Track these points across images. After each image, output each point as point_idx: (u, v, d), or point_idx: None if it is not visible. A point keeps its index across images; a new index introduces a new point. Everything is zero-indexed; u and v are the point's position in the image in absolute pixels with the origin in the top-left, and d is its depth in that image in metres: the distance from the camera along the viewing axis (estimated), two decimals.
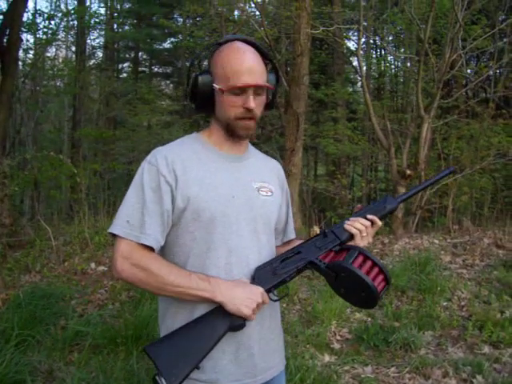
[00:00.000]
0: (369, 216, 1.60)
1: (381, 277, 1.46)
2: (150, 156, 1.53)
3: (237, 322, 1.44)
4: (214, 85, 1.51)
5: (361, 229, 1.57)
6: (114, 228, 1.46)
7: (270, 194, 1.63)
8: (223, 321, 1.43)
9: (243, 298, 1.43)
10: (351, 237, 1.57)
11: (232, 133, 1.55)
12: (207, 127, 1.65)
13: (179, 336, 1.43)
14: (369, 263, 1.46)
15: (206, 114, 1.64)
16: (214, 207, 1.49)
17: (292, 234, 1.82)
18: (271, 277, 1.51)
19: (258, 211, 1.58)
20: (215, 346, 1.44)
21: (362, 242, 1.57)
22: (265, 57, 1.58)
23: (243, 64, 1.48)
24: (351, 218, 1.60)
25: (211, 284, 1.44)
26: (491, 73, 9.39)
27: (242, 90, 1.49)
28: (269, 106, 1.64)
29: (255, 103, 1.50)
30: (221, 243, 1.50)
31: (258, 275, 1.51)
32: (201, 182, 1.50)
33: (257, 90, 1.50)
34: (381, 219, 1.62)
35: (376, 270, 1.46)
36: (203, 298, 1.44)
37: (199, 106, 1.59)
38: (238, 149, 1.62)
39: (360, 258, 1.46)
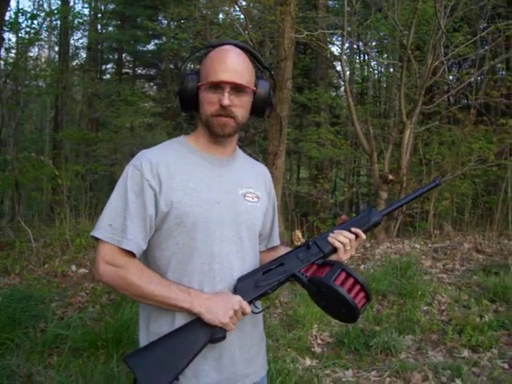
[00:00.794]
0: (353, 229, 1.57)
1: (362, 294, 1.45)
2: (135, 159, 1.51)
3: (217, 335, 1.43)
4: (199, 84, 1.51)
5: (344, 242, 1.55)
6: (97, 231, 1.45)
7: (255, 200, 1.61)
8: (204, 332, 1.42)
9: (220, 306, 1.42)
10: (334, 250, 1.55)
11: (210, 131, 1.53)
12: (195, 131, 1.62)
13: (159, 347, 1.42)
14: (351, 281, 1.45)
15: (192, 116, 1.64)
16: (197, 212, 1.47)
17: (277, 241, 1.80)
18: (253, 289, 1.50)
19: (243, 217, 1.56)
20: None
21: (345, 255, 1.55)
22: (260, 64, 1.59)
23: (223, 62, 1.47)
24: (335, 231, 1.58)
25: (190, 295, 1.43)
26: (472, 80, 9.51)
27: (218, 87, 1.47)
28: (258, 112, 1.61)
29: (232, 102, 1.47)
30: (204, 249, 1.49)
31: (240, 287, 1.49)
32: (185, 187, 1.48)
33: (236, 88, 1.48)
34: (365, 232, 1.59)
35: (358, 287, 1.45)
36: (182, 308, 1.43)
37: (184, 105, 1.58)
38: (223, 152, 1.59)
39: (342, 275, 1.45)
